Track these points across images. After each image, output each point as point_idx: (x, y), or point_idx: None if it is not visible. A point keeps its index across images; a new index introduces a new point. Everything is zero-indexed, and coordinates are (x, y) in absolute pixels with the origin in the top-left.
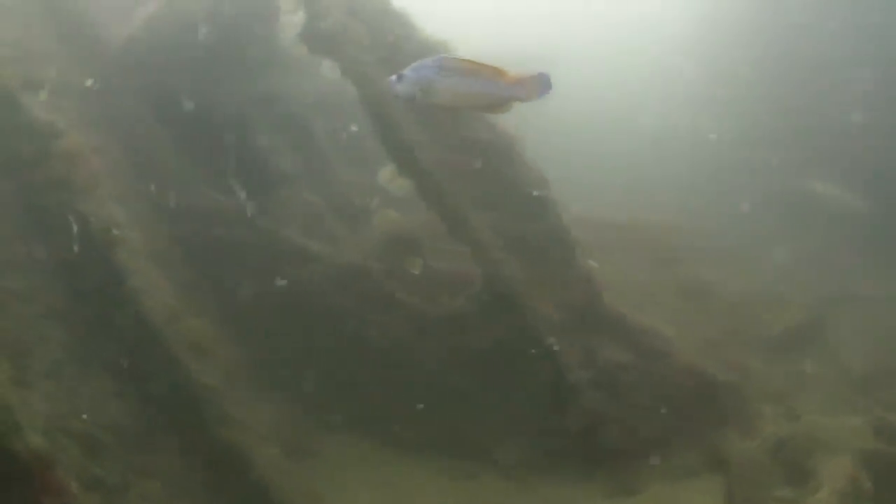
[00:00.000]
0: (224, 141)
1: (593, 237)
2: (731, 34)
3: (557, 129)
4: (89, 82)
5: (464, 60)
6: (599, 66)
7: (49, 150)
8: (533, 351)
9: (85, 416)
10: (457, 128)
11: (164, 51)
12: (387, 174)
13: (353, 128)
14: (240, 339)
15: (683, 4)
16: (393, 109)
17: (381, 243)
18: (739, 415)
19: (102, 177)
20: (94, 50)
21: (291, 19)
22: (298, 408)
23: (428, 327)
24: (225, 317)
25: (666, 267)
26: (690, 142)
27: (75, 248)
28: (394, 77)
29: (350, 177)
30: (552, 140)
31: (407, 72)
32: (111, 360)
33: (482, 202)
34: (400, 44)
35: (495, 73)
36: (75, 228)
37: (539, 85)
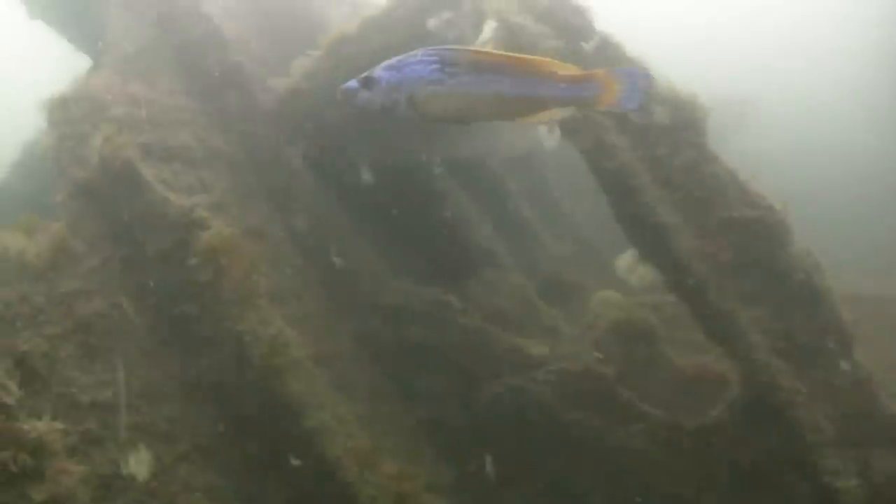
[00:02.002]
0: (415, 216)
1: None
2: None
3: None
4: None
5: (479, 52)
6: (806, 104)
7: (187, 245)
8: (801, 469)
9: None
10: (714, 206)
11: (333, 107)
12: (626, 262)
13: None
14: (448, 462)
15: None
16: (636, 181)
17: (607, 335)
18: None
19: (261, 276)
20: (243, 107)
21: None
22: None
23: (675, 441)
24: (428, 437)
25: None
26: None
27: (229, 374)
28: (353, 83)
29: (557, 250)
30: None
31: (379, 72)
32: None
33: (746, 294)
34: None
35: (536, 67)
36: (228, 349)
37: (625, 83)
